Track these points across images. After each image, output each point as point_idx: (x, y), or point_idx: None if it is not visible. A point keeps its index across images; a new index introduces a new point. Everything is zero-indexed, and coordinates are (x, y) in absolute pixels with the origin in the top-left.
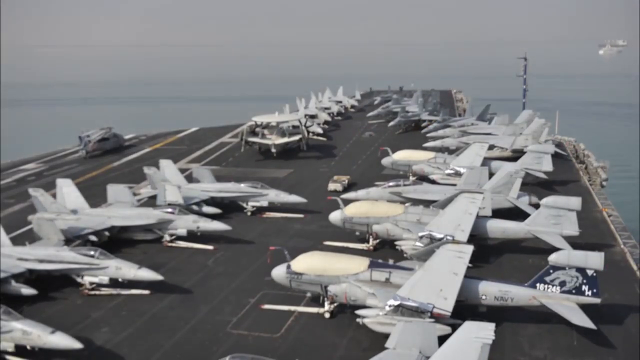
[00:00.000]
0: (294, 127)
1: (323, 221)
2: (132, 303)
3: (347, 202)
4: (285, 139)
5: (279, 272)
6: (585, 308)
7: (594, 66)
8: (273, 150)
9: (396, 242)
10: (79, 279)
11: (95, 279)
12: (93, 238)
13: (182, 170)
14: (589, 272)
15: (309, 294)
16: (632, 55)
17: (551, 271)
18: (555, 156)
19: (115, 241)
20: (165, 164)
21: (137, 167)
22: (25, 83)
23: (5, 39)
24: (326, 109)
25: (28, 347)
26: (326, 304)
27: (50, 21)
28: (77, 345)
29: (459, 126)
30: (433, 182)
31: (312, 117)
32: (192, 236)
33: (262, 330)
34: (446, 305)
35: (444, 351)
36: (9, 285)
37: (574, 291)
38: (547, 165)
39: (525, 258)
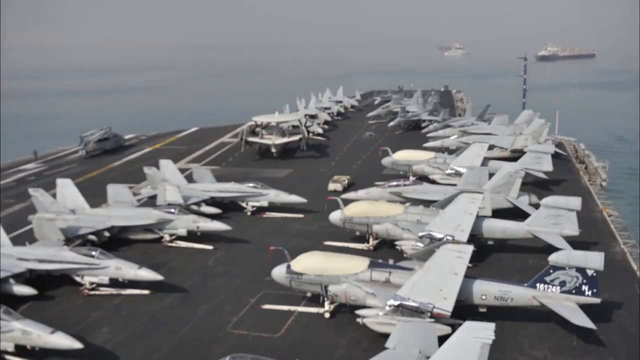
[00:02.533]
0: (294, 127)
1: (323, 221)
2: (132, 303)
3: (347, 202)
4: (285, 139)
5: (279, 272)
6: (585, 308)
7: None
8: (273, 150)
9: (396, 242)
10: (79, 279)
11: (95, 279)
12: (93, 238)
13: (182, 170)
14: (589, 272)
15: (308, 294)
16: (475, 57)
17: (551, 271)
18: (555, 156)
19: (115, 241)
20: (165, 164)
21: (137, 167)
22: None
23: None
24: (326, 108)
25: (28, 347)
26: (326, 304)
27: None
28: (77, 345)
29: (459, 126)
30: (433, 182)
31: (312, 117)
32: (192, 236)
33: (262, 330)
34: (446, 305)
35: (444, 351)
36: (9, 285)
37: (574, 291)
38: (547, 165)
39: (525, 258)
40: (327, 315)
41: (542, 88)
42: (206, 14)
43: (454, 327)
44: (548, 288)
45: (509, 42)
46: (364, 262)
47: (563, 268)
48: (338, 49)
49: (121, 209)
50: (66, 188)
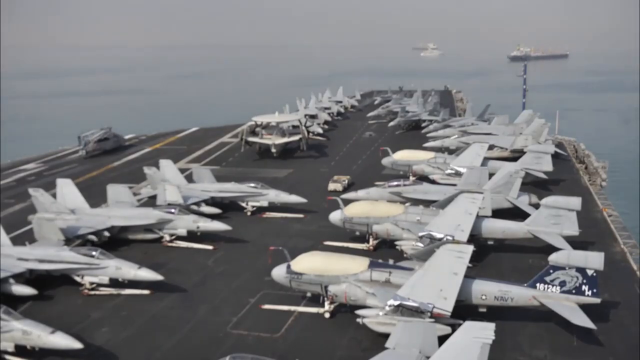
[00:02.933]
0: (294, 127)
1: (323, 221)
2: (132, 303)
3: (347, 202)
4: (285, 139)
5: (279, 272)
6: (585, 308)
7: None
8: (273, 150)
9: (396, 242)
10: (79, 279)
11: (95, 279)
12: (93, 238)
13: (182, 170)
14: (589, 272)
15: (308, 294)
16: (451, 57)
17: (551, 271)
18: (555, 156)
19: (115, 241)
20: (165, 164)
21: (137, 167)
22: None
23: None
24: (326, 108)
25: (28, 347)
26: (326, 304)
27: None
28: (77, 345)
29: (459, 126)
30: (433, 182)
31: (312, 117)
32: (192, 236)
33: (262, 330)
34: (446, 305)
35: (444, 351)
36: (9, 285)
37: (574, 291)
38: (547, 165)
39: (525, 258)
40: (327, 315)
41: (515, 88)
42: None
43: (454, 327)
44: (548, 288)
45: (482, 43)
46: (364, 262)
47: (563, 268)
48: (304, 49)
49: (121, 209)
50: (66, 188)
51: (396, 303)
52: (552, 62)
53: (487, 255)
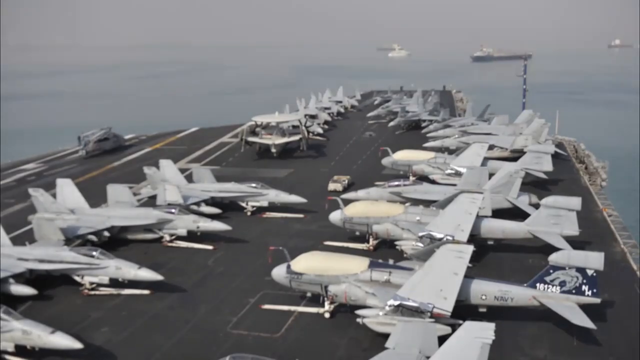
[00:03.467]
0: (294, 127)
1: (323, 221)
2: (132, 303)
3: (347, 202)
4: (285, 139)
5: (279, 272)
6: (585, 308)
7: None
8: (273, 150)
9: (396, 242)
10: (79, 279)
11: (95, 279)
12: (93, 238)
13: (182, 170)
14: (589, 272)
15: (308, 294)
16: (417, 58)
17: (551, 271)
18: (555, 156)
19: (115, 241)
20: (165, 164)
21: (137, 167)
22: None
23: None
24: (326, 109)
25: (28, 347)
26: (326, 304)
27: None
28: (77, 345)
29: (459, 126)
30: (433, 182)
31: (312, 117)
32: (192, 236)
33: (262, 330)
34: (446, 305)
35: (444, 351)
36: (9, 285)
37: (574, 291)
38: (547, 165)
39: (525, 258)
40: (327, 315)
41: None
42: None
43: (454, 327)
44: (548, 288)
45: (447, 44)
46: (364, 262)
47: (563, 268)
48: (268, 48)
49: (121, 209)
50: (66, 188)
51: (396, 303)
52: (517, 62)
53: (487, 255)
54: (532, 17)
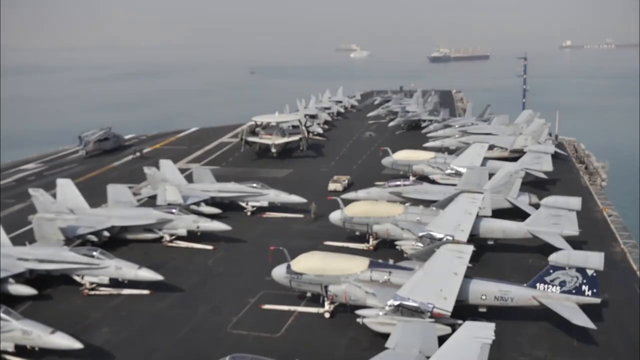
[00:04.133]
0: (294, 127)
1: (323, 221)
2: (132, 303)
3: (347, 202)
4: (285, 139)
5: (279, 272)
6: (585, 308)
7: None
8: (273, 150)
9: (396, 242)
10: (79, 279)
11: (95, 279)
12: (93, 238)
13: (182, 170)
14: (589, 272)
15: (308, 294)
16: (378, 58)
17: (551, 271)
18: (555, 156)
19: (115, 241)
20: (165, 164)
21: (137, 167)
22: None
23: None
24: (326, 108)
25: (28, 347)
26: (326, 304)
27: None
28: (77, 345)
29: (459, 126)
30: (433, 182)
31: (312, 117)
32: (192, 236)
33: (262, 330)
34: (446, 305)
35: (444, 351)
36: (9, 285)
37: (574, 291)
38: (547, 165)
39: (525, 258)
40: (327, 315)
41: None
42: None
43: (454, 327)
44: (548, 288)
45: (406, 45)
46: (364, 262)
47: (563, 268)
48: (219, 49)
49: (121, 209)
50: (66, 188)
51: (396, 303)
52: (473, 63)
53: (487, 255)
54: (489, 18)
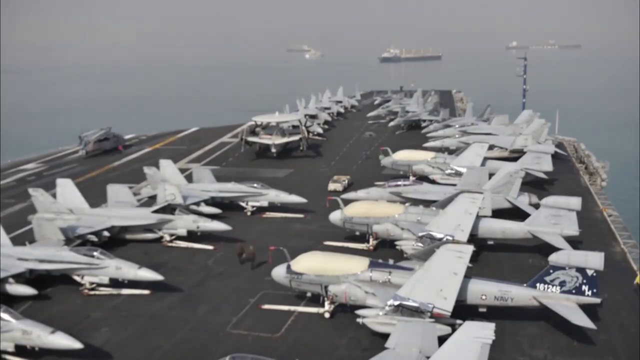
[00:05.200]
0: (294, 127)
1: (323, 221)
2: (132, 303)
3: (347, 202)
4: (285, 139)
5: (279, 272)
6: (585, 308)
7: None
8: (273, 150)
9: (396, 242)
10: (79, 279)
11: (95, 279)
12: (93, 238)
13: (182, 170)
14: (589, 272)
15: (308, 294)
16: (330, 59)
17: (551, 271)
18: (555, 156)
19: (115, 241)
20: (165, 164)
21: (137, 167)
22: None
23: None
24: (326, 108)
25: (28, 347)
26: (326, 304)
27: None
28: (77, 345)
29: (459, 126)
30: (433, 182)
31: (312, 117)
32: (192, 236)
33: (262, 330)
34: (446, 305)
35: (444, 351)
36: (9, 285)
37: (574, 291)
38: (547, 165)
39: (525, 258)
40: (327, 315)
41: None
42: None
43: (454, 327)
44: (548, 288)
45: (357, 45)
46: (364, 262)
47: (563, 268)
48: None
49: (121, 209)
50: (66, 188)
51: (396, 303)
52: (425, 63)
53: (487, 255)
54: (438, 19)
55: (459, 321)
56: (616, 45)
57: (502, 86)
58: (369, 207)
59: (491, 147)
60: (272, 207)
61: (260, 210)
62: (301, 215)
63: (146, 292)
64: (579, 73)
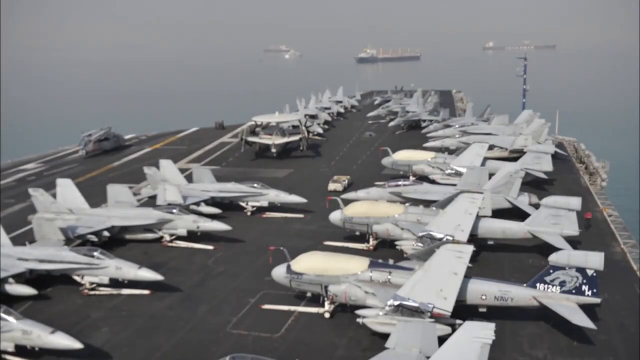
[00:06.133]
0: (294, 127)
1: (323, 221)
2: (132, 303)
3: (347, 202)
4: (285, 139)
5: (279, 272)
6: (585, 308)
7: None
8: (273, 150)
9: (396, 242)
10: (79, 279)
11: (95, 279)
12: (93, 238)
13: (182, 170)
14: (589, 272)
15: (309, 294)
16: (309, 59)
17: (551, 271)
18: (555, 156)
19: (115, 241)
20: (165, 164)
21: (137, 167)
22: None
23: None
24: (326, 108)
25: (28, 347)
26: (326, 304)
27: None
28: (77, 345)
29: (459, 126)
30: (433, 182)
31: (312, 117)
32: (192, 236)
33: (262, 330)
34: (446, 305)
35: (444, 351)
36: (9, 285)
37: (574, 291)
38: (547, 165)
39: (525, 258)
40: (327, 315)
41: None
42: None
43: (454, 327)
44: (548, 288)
45: (335, 45)
46: (364, 262)
47: (563, 268)
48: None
49: (121, 209)
50: (66, 188)
51: (396, 303)
52: (404, 63)
53: (487, 255)
54: (416, 18)
55: (459, 321)
56: (591, 45)
57: (494, 87)
58: (369, 207)
59: (491, 147)
60: (272, 207)
61: (260, 210)
62: (301, 215)
63: (146, 292)
64: (560, 72)
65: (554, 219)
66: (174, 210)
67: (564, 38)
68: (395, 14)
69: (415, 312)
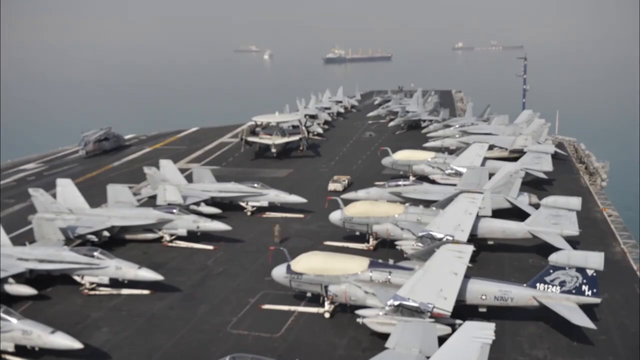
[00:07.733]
0: (294, 127)
1: (323, 221)
2: (132, 303)
3: (347, 202)
4: (285, 139)
5: (279, 272)
6: (585, 308)
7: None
8: (273, 150)
9: (396, 242)
10: (79, 279)
11: (95, 279)
12: (93, 238)
13: (182, 170)
14: (589, 272)
15: (309, 294)
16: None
17: (551, 271)
18: (555, 156)
19: (115, 241)
20: (165, 164)
21: (137, 167)
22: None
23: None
24: (326, 108)
25: (28, 347)
26: (326, 304)
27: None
28: (77, 345)
29: (459, 126)
30: (433, 182)
31: (312, 117)
32: (192, 236)
33: (262, 330)
34: (446, 305)
35: (444, 351)
36: (9, 285)
37: (574, 291)
38: (547, 165)
39: (525, 258)
40: (327, 315)
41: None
42: None
43: (454, 327)
44: (548, 288)
45: (304, 45)
46: (364, 262)
47: (563, 268)
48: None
49: (121, 209)
50: (66, 188)
51: (396, 303)
52: (374, 64)
53: (487, 255)
54: (385, 18)
55: (459, 321)
56: (558, 45)
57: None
58: (369, 207)
59: (491, 147)
60: (272, 207)
61: (260, 210)
62: (301, 215)
63: (146, 292)
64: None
65: (554, 219)
66: (174, 210)
67: (531, 39)
68: (365, 15)
69: (415, 312)
